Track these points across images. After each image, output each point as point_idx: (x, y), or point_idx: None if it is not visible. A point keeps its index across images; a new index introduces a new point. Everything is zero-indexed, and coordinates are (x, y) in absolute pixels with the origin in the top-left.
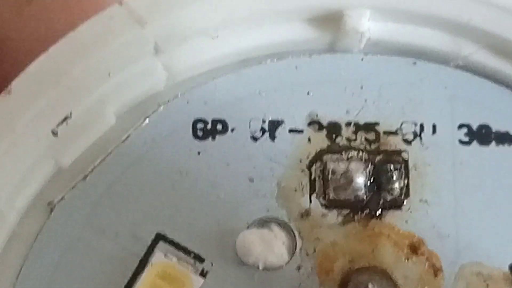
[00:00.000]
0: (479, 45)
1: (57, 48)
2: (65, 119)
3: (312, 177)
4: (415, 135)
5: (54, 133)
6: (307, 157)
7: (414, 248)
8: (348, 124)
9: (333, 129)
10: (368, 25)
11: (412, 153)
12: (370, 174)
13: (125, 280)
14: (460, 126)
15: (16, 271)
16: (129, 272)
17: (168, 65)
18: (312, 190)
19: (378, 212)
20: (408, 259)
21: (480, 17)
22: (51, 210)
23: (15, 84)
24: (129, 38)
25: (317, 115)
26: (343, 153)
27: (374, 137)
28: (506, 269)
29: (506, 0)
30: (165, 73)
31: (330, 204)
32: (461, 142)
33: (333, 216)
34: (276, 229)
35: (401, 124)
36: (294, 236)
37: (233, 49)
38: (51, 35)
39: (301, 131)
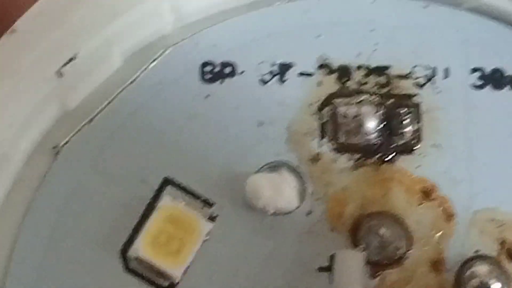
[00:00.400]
0: None
1: None
2: (71, 60)
3: (323, 121)
4: (427, 79)
5: (60, 74)
6: (318, 101)
7: (427, 193)
8: (359, 67)
9: (344, 72)
10: None
11: (424, 97)
12: (382, 118)
13: (133, 225)
14: (473, 70)
15: (21, 215)
16: (136, 216)
17: (175, 6)
18: (322, 134)
19: (390, 157)
20: (420, 204)
21: None
22: (57, 154)
23: (20, 24)
24: None
25: (327, 58)
26: (354, 96)
27: (385, 81)
28: None
29: None
30: (172, 15)
31: (341, 148)
32: (474, 86)
33: (344, 161)
34: (286, 173)
35: (413, 68)
36: (304, 180)
37: None
38: None
39: (311, 74)
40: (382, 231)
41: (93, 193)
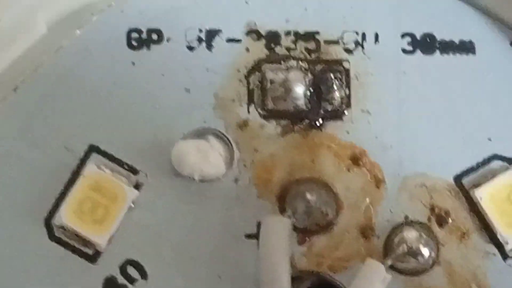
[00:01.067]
0: None
1: None
2: None
3: (251, 87)
4: (357, 44)
5: None
6: (245, 67)
7: (356, 159)
8: (288, 33)
9: (272, 38)
10: None
11: (354, 62)
12: (310, 83)
13: (57, 193)
14: (404, 35)
15: None
16: (61, 184)
17: None
18: (250, 100)
19: (319, 123)
20: (349, 170)
21: None
22: None
23: None
24: None
25: (255, 24)
26: (282, 62)
27: (314, 47)
28: (451, 180)
29: None
30: None
31: (269, 115)
32: (404, 51)
33: (272, 127)
34: (212, 139)
35: (343, 33)
36: (232, 147)
37: None
38: None
39: (239, 41)
40: (309, 196)
41: (18, 161)
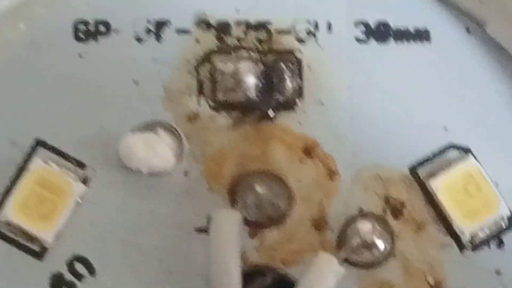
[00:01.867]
0: None
1: None
2: None
3: (201, 78)
4: (309, 33)
5: None
6: (195, 58)
7: (308, 151)
8: (238, 23)
9: (223, 28)
10: None
11: (306, 52)
12: (261, 74)
13: (2, 188)
14: (357, 24)
15: None
16: (7, 179)
17: None
18: (200, 92)
19: (270, 114)
20: (301, 162)
21: None
22: None
23: None
24: None
25: (205, 14)
26: (233, 53)
27: (265, 36)
28: (406, 170)
29: None
30: None
31: (219, 106)
32: (358, 40)
33: (223, 119)
34: (161, 132)
35: (294, 22)
36: (181, 140)
37: None
38: None
39: (188, 31)
40: (259, 189)
41: None
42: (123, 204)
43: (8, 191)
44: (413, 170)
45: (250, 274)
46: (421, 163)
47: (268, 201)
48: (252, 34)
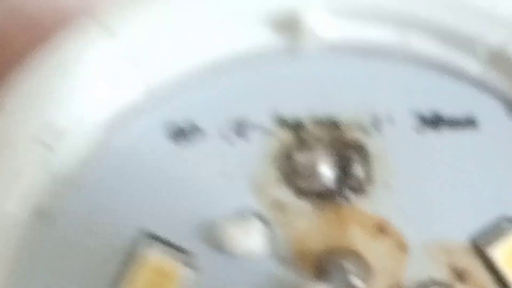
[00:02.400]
0: (428, 37)
1: (39, 64)
2: (55, 132)
3: (282, 170)
4: (373, 125)
5: (44, 145)
6: (276, 153)
7: (381, 229)
8: (311, 120)
9: (297, 125)
10: (324, 25)
11: (372, 142)
12: (335, 164)
13: (113, 277)
14: (415, 114)
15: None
16: (116, 269)
17: (143, 75)
18: (283, 182)
19: (346, 198)
20: (376, 239)
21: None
22: (47, 217)
23: (4, 101)
24: (103, 50)
25: (282, 114)
26: (308, 146)
27: (335, 130)
28: (467, 241)
29: None
30: (141, 83)
31: (300, 194)
32: (416, 129)
33: (305, 205)
34: (253, 220)
35: (359, 116)
36: (269, 224)
37: (202, 57)
38: None
39: (268, 130)
40: (344, 264)
41: (80, 251)
42: (222, 285)
43: (119, 279)
44: (473, 241)
45: None
46: (480, 233)
47: (351, 274)
48: (324, 129)
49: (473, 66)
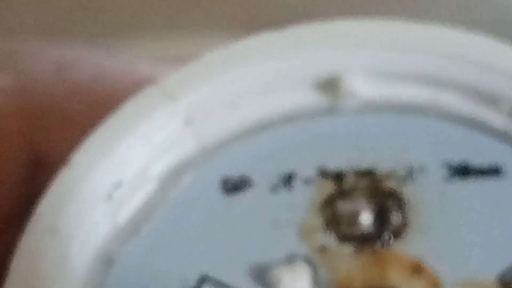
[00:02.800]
0: (456, 94)
1: (107, 125)
2: (117, 185)
3: (326, 217)
4: (407, 175)
5: (110, 197)
6: (320, 202)
7: (417, 269)
8: (351, 171)
9: (339, 176)
10: (360, 87)
11: (406, 190)
12: (374, 210)
13: None
14: (444, 165)
15: None
16: None
17: (197, 133)
18: (327, 228)
19: (384, 242)
20: (412, 279)
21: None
22: (111, 263)
23: (74, 158)
24: (164, 112)
25: (324, 166)
26: (349, 195)
27: (373, 180)
28: (496, 278)
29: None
30: (195, 141)
31: (343, 239)
32: (446, 177)
33: (347, 248)
34: (301, 263)
35: (395, 167)
36: (316, 268)
37: (249, 116)
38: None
39: (312, 180)
40: None
41: None
42: None
43: None
44: (502, 278)
45: None
46: (508, 272)
47: None
48: (362, 179)
49: (497, 119)
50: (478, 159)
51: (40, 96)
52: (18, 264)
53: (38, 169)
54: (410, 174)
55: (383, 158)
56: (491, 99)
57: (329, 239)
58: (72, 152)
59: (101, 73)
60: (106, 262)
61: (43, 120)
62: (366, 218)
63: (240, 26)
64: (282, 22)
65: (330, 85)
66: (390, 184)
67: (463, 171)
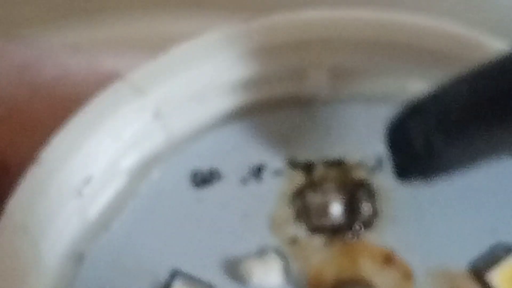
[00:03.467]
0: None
1: (75, 121)
2: (87, 181)
3: (296, 208)
4: (377, 165)
5: (80, 193)
6: (290, 193)
7: (388, 259)
8: (321, 162)
9: (309, 167)
10: (327, 78)
11: (376, 180)
12: (344, 201)
13: None
14: None
15: None
16: None
17: (166, 127)
18: (297, 219)
19: (355, 233)
20: (384, 269)
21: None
22: (82, 259)
23: (43, 155)
24: (132, 107)
25: (294, 157)
26: (319, 186)
27: (343, 170)
28: (466, 267)
29: None
30: (164, 135)
31: (313, 230)
32: None
33: (318, 239)
34: (272, 255)
35: (365, 157)
36: (287, 259)
37: (218, 110)
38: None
39: (282, 172)
40: None
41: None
42: None
43: None
44: (472, 267)
45: None
46: (477, 260)
47: None
48: (332, 170)
49: None
50: None
51: (2, 99)
52: None
53: (2, 172)
54: (379, 164)
55: (353, 148)
56: None
57: (300, 231)
58: (41, 150)
59: (64, 72)
60: (77, 258)
61: (6, 124)
62: (336, 209)
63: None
64: (259, 9)
65: (297, 77)
66: (360, 174)
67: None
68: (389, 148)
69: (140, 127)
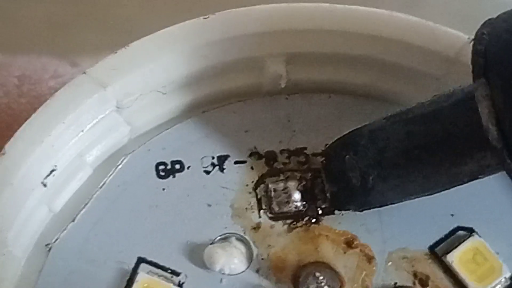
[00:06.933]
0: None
1: (39, 114)
2: (51, 172)
3: (258, 196)
4: None
5: (45, 185)
6: (252, 182)
7: (349, 243)
8: (282, 151)
9: (270, 156)
10: (286, 69)
11: None
12: (305, 188)
13: None
14: None
15: None
16: None
17: (129, 120)
18: (259, 207)
19: (316, 218)
20: (345, 252)
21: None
22: (49, 250)
23: (8, 147)
24: (95, 100)
25: (256, 147)
26: (281, 174)
27: (304, 159)
28: (426, 250)
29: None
30: (127, 127)
31: (276, 217)
32: None
33: (280, 226)
34: (235, 242)
35: (325, 146)
36: (250, 246)
37: (180, 102)
38: None
39: (244, 162)
40: (318, 275)
41: (82, 278)
42: None
43: None
44: (431, 249)
45: None
46: (437, 243)
47: (325, 284)
48: (294, 158)
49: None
50: None
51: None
52: None
53: None
54: None
55: (313, 137)
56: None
57: (262, 218)
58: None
59: (62, 84)
60: (44, 248)
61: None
62: (297, 196)
63: None
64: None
65: (256, 68)
66: (320, 162)
67: None
68: (326, 177)
69: (103, 120)
